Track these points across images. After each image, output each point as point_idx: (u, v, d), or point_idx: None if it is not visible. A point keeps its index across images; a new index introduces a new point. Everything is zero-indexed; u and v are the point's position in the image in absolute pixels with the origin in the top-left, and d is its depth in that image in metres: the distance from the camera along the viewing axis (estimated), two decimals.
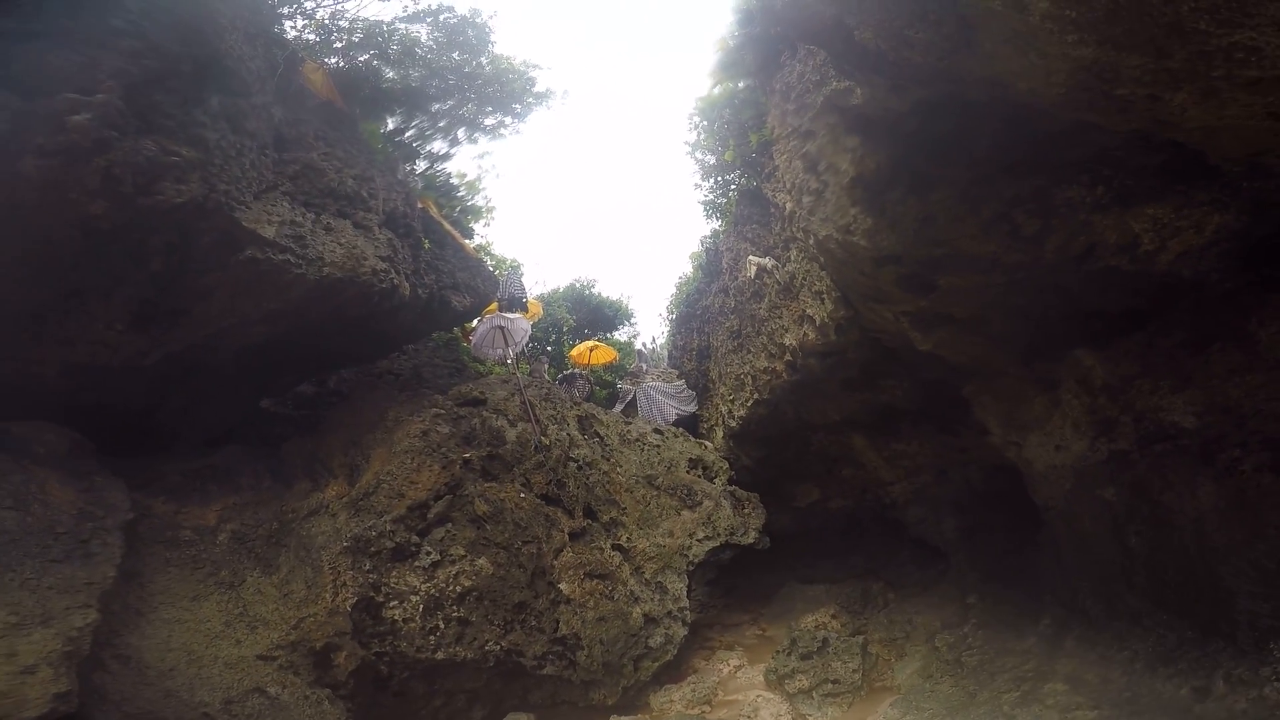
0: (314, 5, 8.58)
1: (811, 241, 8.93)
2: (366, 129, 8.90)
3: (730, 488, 10.11)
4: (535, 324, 13.63)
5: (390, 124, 9.73)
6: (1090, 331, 6.03)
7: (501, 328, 11.23)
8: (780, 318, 11.25)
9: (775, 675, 7.56)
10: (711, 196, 11.95)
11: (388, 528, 6.75)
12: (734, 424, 12.16)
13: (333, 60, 8.94)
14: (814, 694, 7.24)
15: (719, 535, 9.01)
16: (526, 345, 12.49)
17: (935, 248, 6.05)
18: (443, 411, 8.40)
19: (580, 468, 8.83)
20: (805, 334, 10.21)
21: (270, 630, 5.71)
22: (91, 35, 5.63)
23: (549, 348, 15.93)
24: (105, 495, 5.54)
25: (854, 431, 11.08)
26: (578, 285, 18.71)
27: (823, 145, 6.98)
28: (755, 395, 11.98)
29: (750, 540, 9.42)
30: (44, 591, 4.60)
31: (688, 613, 8.00)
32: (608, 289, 20.07)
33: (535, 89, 10.42)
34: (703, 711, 7.04)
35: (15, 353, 5.75)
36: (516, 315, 11.75)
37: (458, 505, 7.31)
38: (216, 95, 6.53)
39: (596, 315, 18.56)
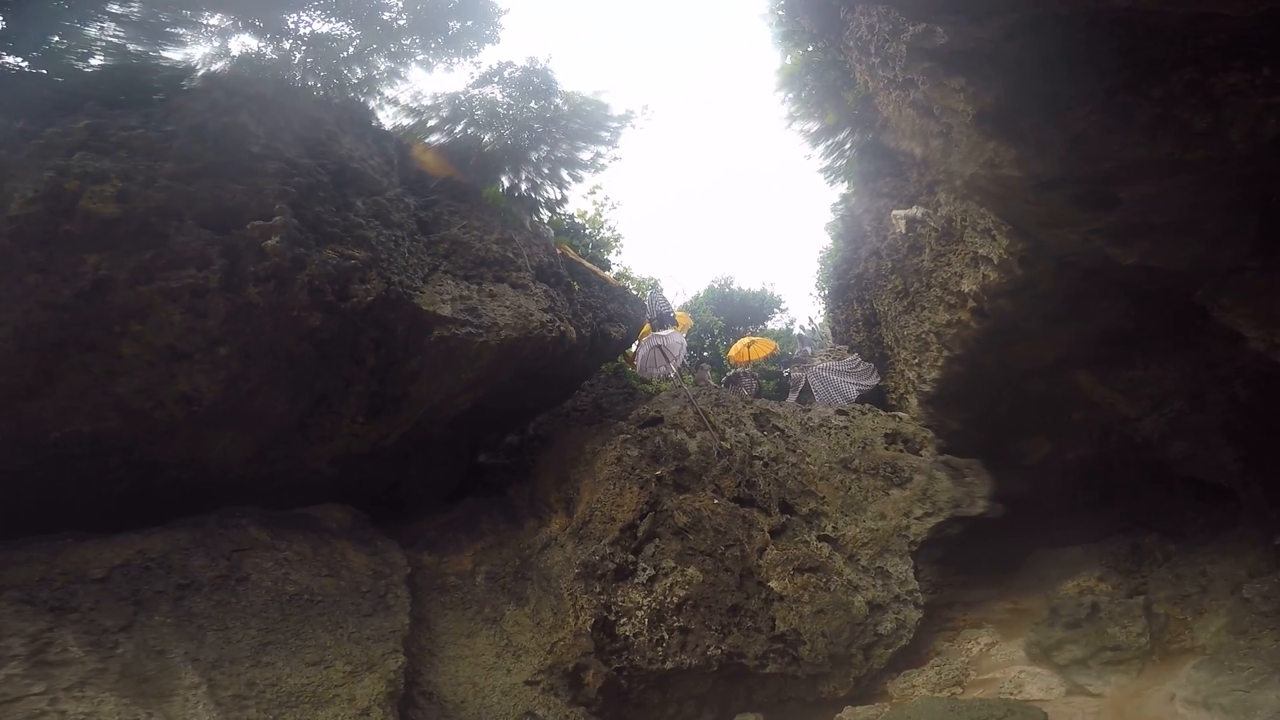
0: (394, 92, 9.79)
1: (959, 183, 8.64)
2: (487, 193, 9.94)
3: (941, 457, 9.85)
4: (687, 334, 14.27)
5: (505, 183, 10.70)
6: None
7: (659, 346, 12.05)
8: (949, 265, 10.78)
9: (1039, 648, 7.30)
10: (828, 162, 11.81)
11: (607, 551, 7.71)
12: (927, 388, 11.71)
13: (433, 138, 10.03)
14: (1090, 663, 6.87)
15: (940, 510, 8.87)
16: (685, 356, 13.20)
17: (1098, 163, 5.70)
18: (628, 436, 9.30)
19: (766, 465, 9.19)
20: (985, 276, 9.76)
21: (531, 657, 6.86)
22: (242, 164, 6.44)
23: (705, 353, 16.54)
24: (388, 555, 7.10)
25: (1075, 368, 10.21)
26: (716, 286, 19.22)
27: (928, 91, 6.93)
28: (944, 353, 11.48)
29: (979, 510, 9.10)
30: (365, 642, 6.07)
31: (918, 594, 7.99)
32: (747, 282, 20.34)
33: (613, 113, 11.02)
34: (953, 693, 6.99)
35: (296, 453, 7.48)
36: (669, 331, 12.52)
37: (660, 521, 8.09)
38: (358, 197, 7.40)
39: (743, 310, 18.86)
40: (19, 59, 7.13)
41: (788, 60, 10.28)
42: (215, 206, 6.21)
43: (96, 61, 7.41)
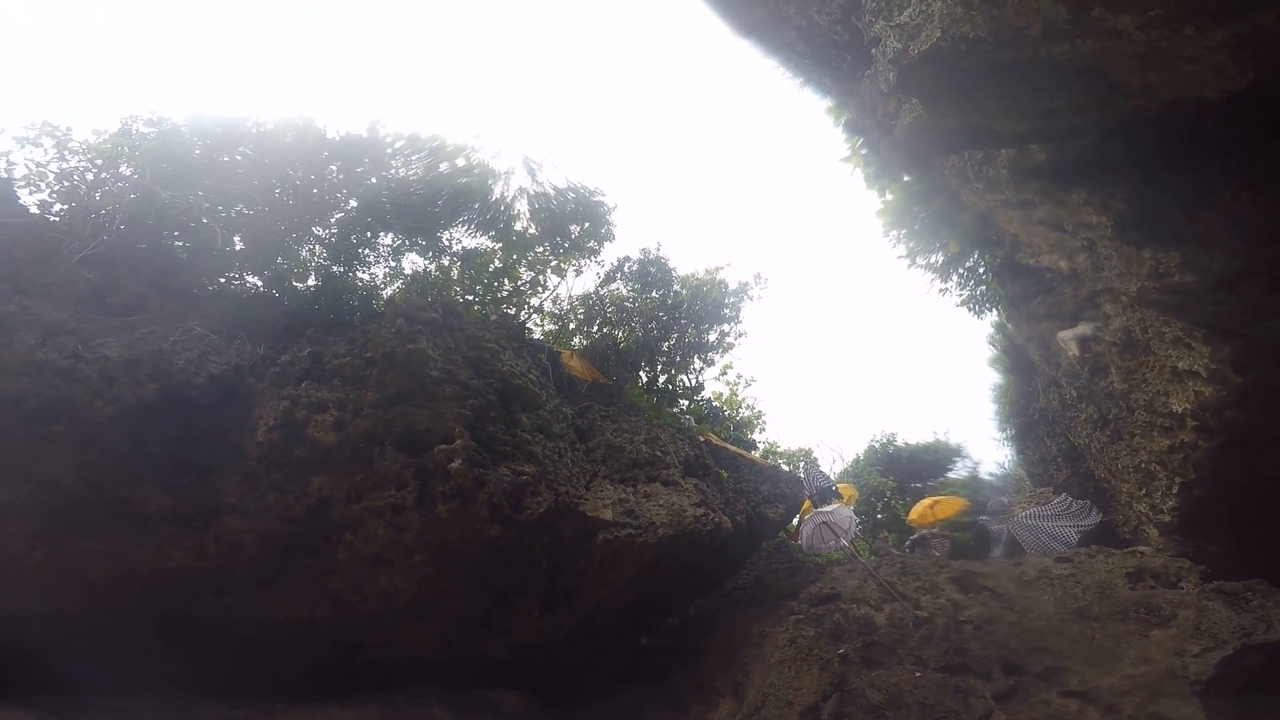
0: (538, 300, 11.05)
1: (1125, 299, 8.21)
2: (630, 393, 10.52)
3: (1209, 586, 8.20)
4: (853, 504, 13.35)
5: (643, 376, 11.33)
6: None
7: (825, 523, 11.51)
8: (1146, 384, 9.84)
9: None
10: (967, 292, 11.60)
11: None
12: (1169, 518, 10.10)
13: (575, 341, 10.93)
14: None
15: (1224, 643, 7.21)
16: (857, 528, 12.30)
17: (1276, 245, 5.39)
18: (801, 616, 8.80)
19: (978, 628, 8.13)
20: (1198, 392, 8.80)
21: None
22: (425, 390, 7.10)
23: (879, 515, 15.21)
24: None
25: None
26: (876, 445, 18.18)
27: (1052, 209, 7.04)
28: (1178, 479, 10.04)
29: None
30: None
31: None
32: (912, 435, 18.64)
33: (730, 288, 11.58)
34: None
35: (477, 643, 7.95)
36: (834, 506, 11.99)
37: (848, 700, 7.28)
38: (523, 412, 8.02)
39: (914, 466, 17.51)
40: (256, 279, 8.61)
41: (888, 196, 10.28)
42: (406, 430, 7.05)
43: (311, 282, 8.87)
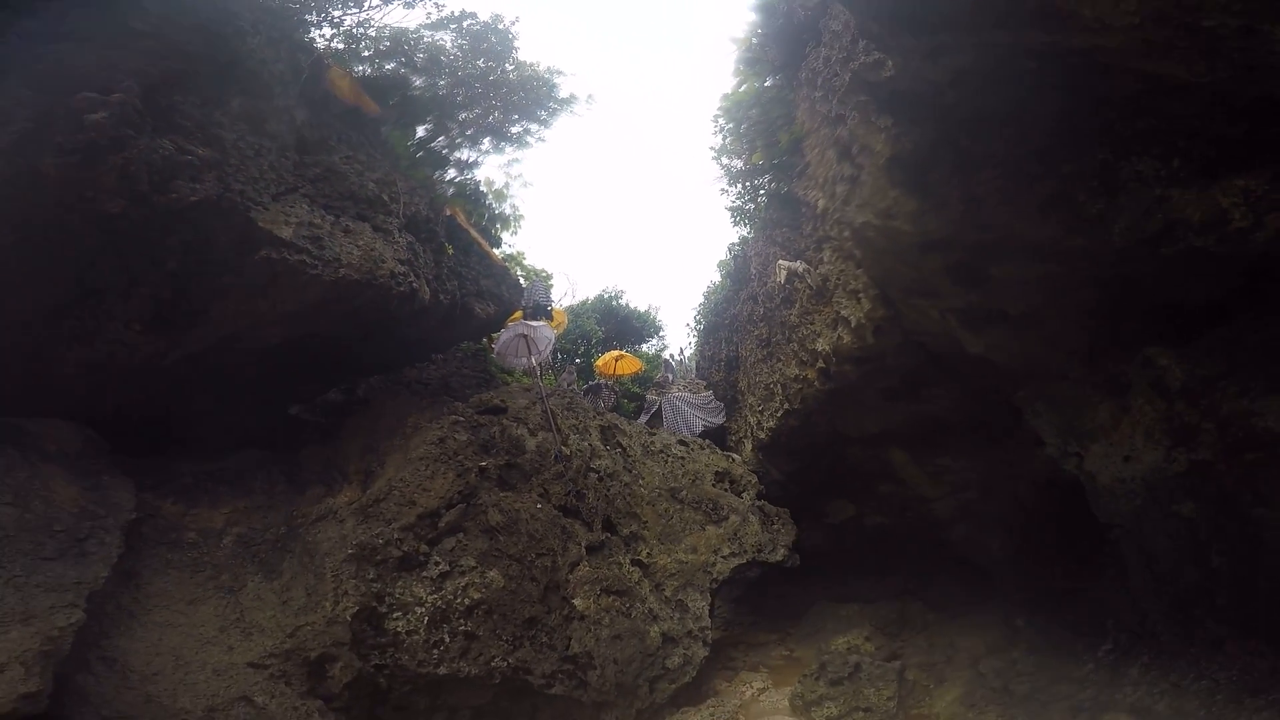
0: (341, 14, 8.56)
1: (848, 233, 8.31)
2: (392, 135, 8.80)
3: (759, 502, 9.50)
4: (564, 335, 13.20)
5: (421, 132, 9.66)
6: (1165, 328, 5.32)
7: (525, 335, 10.89)
8: (813, 323, 10.56)
9: (801, 701, 6.94)
10: (739, 202, 11.38)
11: (395, 536, 6.40)
12: (763, 435, 11.51)
13: (360, 68, 8.88)
14: None
15: (746, 552, 8.41)
16: (554, 356, 12.12)
17: (986, 231, 5.48)
18: (462, 419, 8.08)
19: (601, 479, 8.37)
20: (840, 337, 9.52)
21: (265, 638, 5.39)
22: (113, 37, 5.67)
23: (578, 359, 15.57)
24: (110, 494, 5.39)
25: (894, 445, 10.30)
26: (606, 296, 18.37)
27: (854, 128, 6.52)
28: (785, 405, 11.31)
29: (779, 558, 8.79)
30: (30, 589, 4.41)
31: (709, 632, 7.41)
32: (636, 300, 19.48)
33: (559, 95, 10.22)
34: None
35: (34, 350, 5.67)
36: (540, 323, 11.42)
37: (471, 514, 6.93)
38: (238, 97, 6.56)
39: (625, 326, 18.15)
40: None
41: (742, 88, 9.72)
42: (56, 71, 5.43)
43: None
